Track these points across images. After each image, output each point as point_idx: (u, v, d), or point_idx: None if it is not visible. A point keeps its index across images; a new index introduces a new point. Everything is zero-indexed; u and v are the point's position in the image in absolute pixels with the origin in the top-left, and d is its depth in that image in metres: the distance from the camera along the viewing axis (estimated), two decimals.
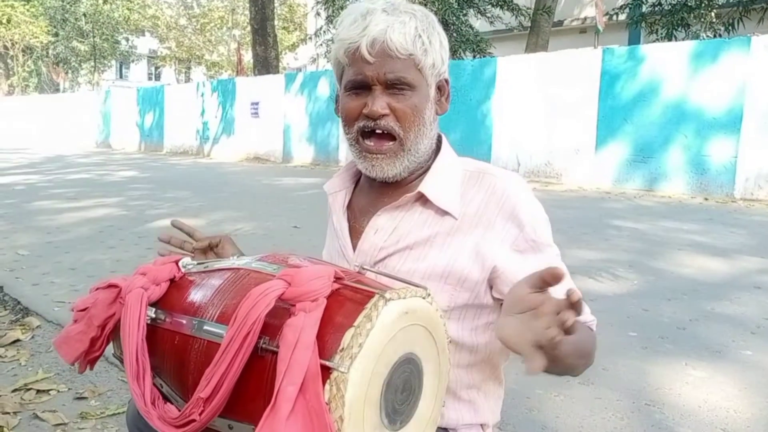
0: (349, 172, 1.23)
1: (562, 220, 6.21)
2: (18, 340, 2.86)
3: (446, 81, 1.12)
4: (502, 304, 1.08)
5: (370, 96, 1.04)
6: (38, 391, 2.34)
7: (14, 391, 2.33)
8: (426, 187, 1.09)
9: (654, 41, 13.40)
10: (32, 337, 2.92)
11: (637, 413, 2.22)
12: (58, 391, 2.36)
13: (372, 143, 1.07)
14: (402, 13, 1.03)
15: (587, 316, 1.09)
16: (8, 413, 2.13)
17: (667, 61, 9.36)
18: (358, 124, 1.07)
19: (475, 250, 1.05)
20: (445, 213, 1.07)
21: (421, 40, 1.03)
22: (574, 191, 9.46)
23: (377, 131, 1.06)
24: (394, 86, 1.03)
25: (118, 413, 2.16)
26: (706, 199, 8.61)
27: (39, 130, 26.21)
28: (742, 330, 3.11)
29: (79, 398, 2.31)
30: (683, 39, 12.77)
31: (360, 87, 1.05)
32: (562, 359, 0.79)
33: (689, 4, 13.92)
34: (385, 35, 1.00)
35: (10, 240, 4.97)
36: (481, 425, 1.15)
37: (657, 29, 14.21)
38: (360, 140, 1.08)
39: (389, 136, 1.06)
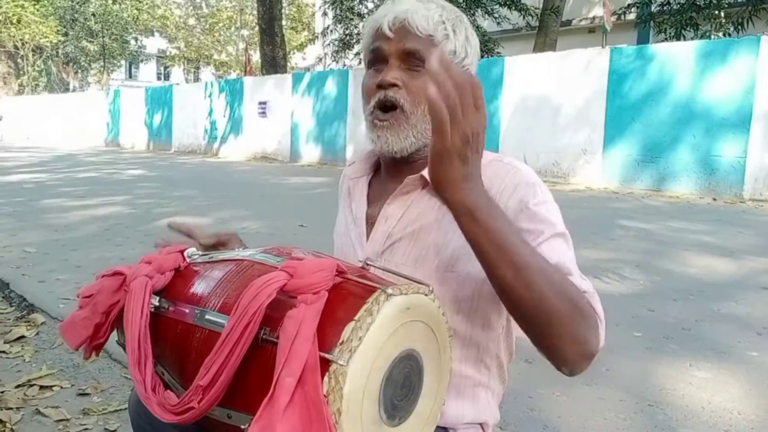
0: (371, 160, 1.24)
1: (569, 220, 6.10)
2: (23, 337, 2.87)
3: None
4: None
5: (385, 69, 1.07)
6: (41, 387, 2.35)
7: (18, 386, 2.34)
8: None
9: (663, 41, 13.35)
10: (37, 334, 2.93)
11: (640, 414, 2.21)
12: (62, 388, 2.37)
13: (380, 113, 1.09)
14: (431, 2, 1.08)
15: (581, 283, 1.02)
16: (11, 408, 2.14)
17: (675, 61, 9.32)
18: (374, 99, 1.09)
19: None
20: None
21: (444, 26, 1.06)
22: (581, 191, 9.43)
23: (387, 103, 1.07)
24: (410, 59, 1.06)
25: (120, 409, 2.17)
26: (715, 199, 8.58)
27: (49, 129, 26.35)
28: (748, 331, 3.10)
29: (81, 394, 2.31)
30: (692, 38, 12.72)
31: (379, 61, 1.09)
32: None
33: (698, 3, 13.86)
34: (406, 14, 1.05)
35: (18, 237, 5.01)
36: (481, 424, 1.15)
37: (666, 29, 14.15)
38: (373, 112, 1.10)
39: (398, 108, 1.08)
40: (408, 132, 1.08)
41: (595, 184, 9.99)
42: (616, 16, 14.78)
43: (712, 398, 2.34)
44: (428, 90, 0.77)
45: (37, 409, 2.17)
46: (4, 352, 2.71)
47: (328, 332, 0.83)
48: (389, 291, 0.86)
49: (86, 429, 2.07)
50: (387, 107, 1.08)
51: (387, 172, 1.18)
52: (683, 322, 3.21)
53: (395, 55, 1.06)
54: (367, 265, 1.01)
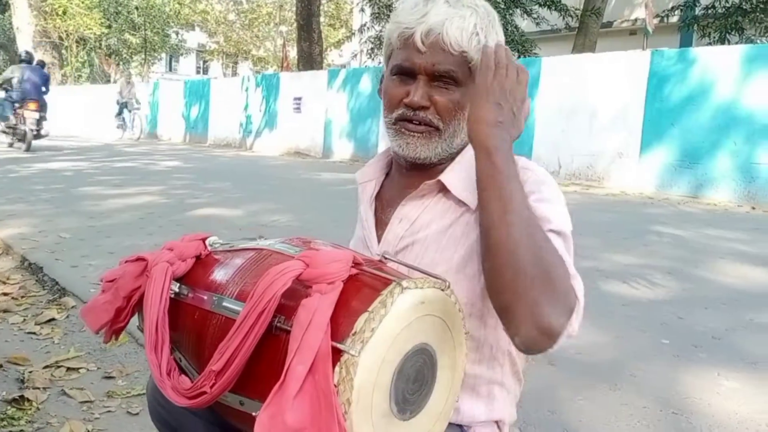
0: (381, 163, 1.23)
1: (602, 224, 6.11)
2: (53, 319, 2.95)
3: None
4: None
5: (413, 84, 1.05)
6: (68, 368, 2.41)
7: (45, 367, 2.41)
8: (446, 176, 1.09)
9: (706, 45, 13.05)
10: (67, 317, 3.00)
11: (663, 421, 2.17)
12: (88, 370, 2.43)
13: (410, 124, 1.07)
14: (464, 6, 1.02)
15: (554, 223, 0.97)
16: (38, 388, 2.20)
17: (718, 65, 9.11)
18: (398, 111, 1.07)
19: None
20: (464, 204, 1.07)
21: (477, 38, 1.02)
22: (615, 195, 9.28)
23: (415, 121, 1.06)
24: (440, 79, 1.03)
25: (143, 394, 2.21)
26: (754, 207, 8.35)
27: (90, 119, 26.86)
28: None
29: (107, 377, 2.37)
30: (737, 43, 12.42)
31: (405, 73, 1.06)
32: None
33: (744, 7, 13.51)
34: (442, 27, 1.00)
35: (54, 223, 5.12)
36: (497, 422, 1.14)
37: (710, 32, 13.82)
38: (398, 122, 1.09)
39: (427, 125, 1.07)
40: (438, 143, 1.07)
41: (630, 189, 9.82)
42: (658, 19, 14.50)
43: (740, 408, 2.28)
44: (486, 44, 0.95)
45: (63, 389, 2.23)
46: (34, 333, 2.79)
47: (341, 322, 0.83)
48: (404, 284, 0.86)
49: (109, 411, 2.11)
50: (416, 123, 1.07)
51: (400, 174, 1.17)
52: (713, 330, 3.14)
53: (425, 72, 1.03)
54: (385, 258, 1.01)
